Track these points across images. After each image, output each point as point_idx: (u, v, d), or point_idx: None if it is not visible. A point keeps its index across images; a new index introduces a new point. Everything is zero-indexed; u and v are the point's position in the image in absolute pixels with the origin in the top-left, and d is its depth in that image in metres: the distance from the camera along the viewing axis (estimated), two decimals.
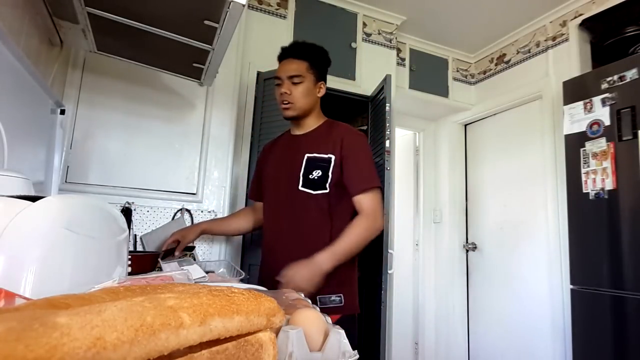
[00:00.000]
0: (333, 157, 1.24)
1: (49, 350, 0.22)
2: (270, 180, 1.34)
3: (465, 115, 3.06)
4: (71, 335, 0.23)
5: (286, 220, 1.26)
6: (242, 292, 0.34)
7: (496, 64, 2.91)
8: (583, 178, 1.88)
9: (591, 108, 1.88)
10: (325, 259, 1.11)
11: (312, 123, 1.33)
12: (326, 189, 1.23)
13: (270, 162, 1.36)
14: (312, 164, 1.25)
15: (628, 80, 1.75)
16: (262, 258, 1.39)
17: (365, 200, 1.21)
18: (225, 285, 0.40)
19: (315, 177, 1.23)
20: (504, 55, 2.85)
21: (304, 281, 1.06)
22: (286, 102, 1.24)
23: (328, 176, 1.23)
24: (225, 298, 0.32)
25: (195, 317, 0.28)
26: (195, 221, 1.92)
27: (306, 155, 1.26)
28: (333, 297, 1.18)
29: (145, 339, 0.25)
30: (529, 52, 2.64)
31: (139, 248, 1.75)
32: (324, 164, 1.24)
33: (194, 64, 1.59)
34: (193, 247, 1.59)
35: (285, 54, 1.28)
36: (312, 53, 1.30)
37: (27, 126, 1.24)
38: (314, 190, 1.23)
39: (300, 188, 1.24)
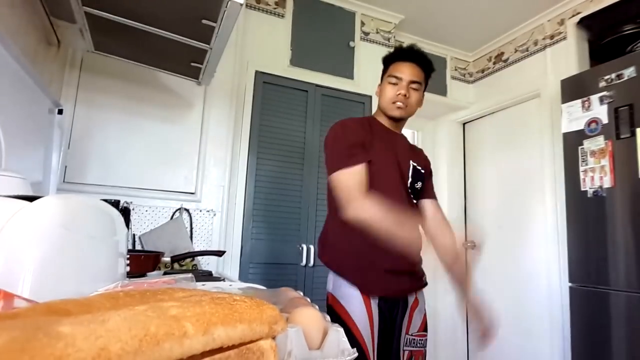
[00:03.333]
0: (424, 173, 1.32)
1: None
2: (382, 171, 1.18)
3: (464, 114, 3.07)
4: (76, 345, 0.23)
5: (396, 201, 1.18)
6: (244, 300, 0.34)
7: (494, 63, 2.92)
8: (581, 176, 1.88)
9: (589, 106, 1.88)
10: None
11: (401, 129, 1.36)
12: (417, 199, 1.30)
13: (380, 148, 1.21)
14: (416, 174, 1.28)
15: (626, 78, 1.75)
16: (365, 255, 1.15)
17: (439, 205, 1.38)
18: (226, 292, 0.40)
19: (418, 188, 1.29)
20: (502, 53, 2.85)
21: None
22: (402, 103, 1.23)
23: (423, 190, 1.32)
24: (227, 306, 0.32)
25: (198, 326, 0.28)
26: (195, 221, 1.92)
27: (411, 163, 1.28)
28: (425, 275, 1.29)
29: (150, 349, 0.25)
30: (527, 50, 2.65)
31: (138, 247, 1.75)
32: (422, 178, 1.30)
33: (192, 64, 1.59)
34: (223, 252, 1.54)
35: (409, 57, 1.26)
36: (430, 66, 1.30)
37: (24, 126, 1.24)
38: (415, 198, 1.29)
39: (410, 192, 1.26)
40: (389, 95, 1.24)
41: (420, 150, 1.42)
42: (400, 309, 1.20)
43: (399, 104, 1.23)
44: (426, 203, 1.34)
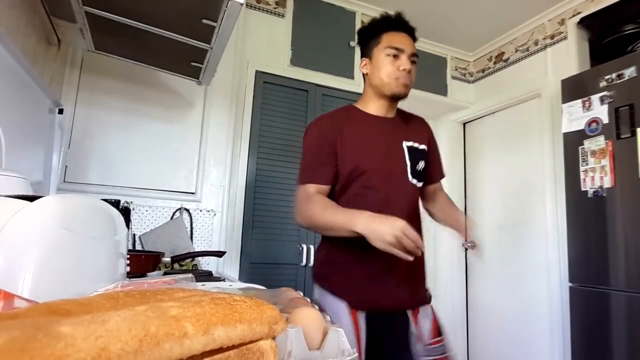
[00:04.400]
0: (426, 149, 1.18)
1: None
2: (371, 168, 1.08)
3: (464, 114, 3.06)
4: (76, 346, 0.23)
5: (400, 213, 1.02)
6: (244, 300, 0.34)
7: (495, 63, 2.91)
8: (581, 176, 1.88)
9: (590, 106, 1.88)
10: None
11: (396, 109, 1.21)
12: (422, 181, 1.17)
13: (355, 143, 1.10)
14: (415, 154, 1.14)
15: (626, 78, 1.75)
16: (352, 268, 1.08)
17: (440, 184, 1.29)
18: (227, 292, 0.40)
19: (420, 169, 1.14)
20: (503, 53, 2.85)
21: None
22: (407, 79, 1.09)
23: (427, 168, 1.18)
24: (227, 306, 0.32)
25: (198, 326, 0.28)
26: (195, 221, 1.92)
27: (404, 143, 1.13)
28: (429, 292, 1.18)
29: (150, 350, 0.25)
30: (528, 50, 2.64)
31: (138, 247, 1.75)
32: (423, 156, 1.17)
33: (192, 63, 1.59)
34: (223, 253, 1.54)
35: (405, 27, 1.13)
36: (416, 39, 1.16)
37: (25, 126, 1.24)
38: (418, 182, 1.14)
39: (410, 179, 1.12)
40: (389, 70, 1.08)
41: (419, 121, 1.25)
42: (400, 326, 1.07)
43: (403, 80, 1.08)
44: (429, 190, 1.25)
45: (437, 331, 1.11)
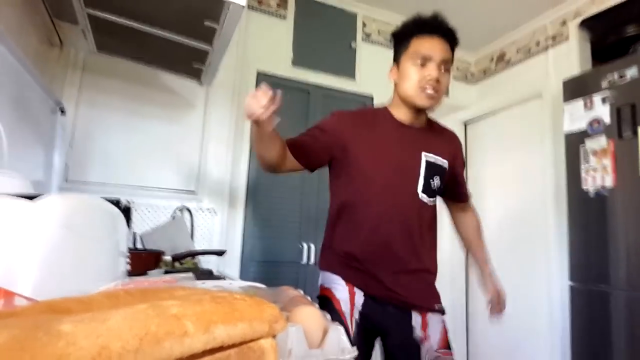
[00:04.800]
0: (447, 165, 1.12)
1: None
2: (379, 172, 1.04)
3: (466, 114, 3.06)
4: (77, 344, 0.23)
5: (397, 226, 1.03)
6: (244, 299, 0.34)
7: (496, 63, 2.91)
8: (583, 175, 1.88)
9: (591, 106, 1.88)
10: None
11: (426, 118, 1.15)
12: (436, 198, 1.12)
13: (368, 146, 1.05)
14: (432, 169, 1.08)
15: (628, 78, 1.74)
16: (358, 257, 1.05)
17: (471, 203, 1.30)
18: (227, 291, 0.40)
19: (434, 187, 1.08)
20: (504, 54, 2.84)
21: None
22: (433, 90, 1.00)
23: (442, 186, 1.12)
24: (228, 305, 0.32)
25: (199, 325, 0.28)
26: (196, 220, 1.92)
27: (424, 156, 1.06)
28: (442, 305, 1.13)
29: (150, 348, 0.25)
30: (529, 51, 2.64)
31: (139, 246, 1.75)
32: (441, 172, 1.10)
33: (194, 64, 1.59)
34: (223, 252, 1.54)
35: (438, 30, 1.02)
36: (457, 41, 1.06)
37: (27, 126, 1.24)
38: (429, 197, 1.08)
39: (420, 192, 1.05)
40: (415, 80, 1.00)
41: (449, 135, 1.20)
42: (399, 319, 1.05)
43: (429, 91, 1.00)
44: (458, 207, 1.29)
45: (447, 343, 1.08)
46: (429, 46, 1.00)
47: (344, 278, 1.06)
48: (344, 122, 1.08)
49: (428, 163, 1.07)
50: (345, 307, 1.02)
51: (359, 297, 1.05)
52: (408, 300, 1.06)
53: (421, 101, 1.02)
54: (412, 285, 1.06)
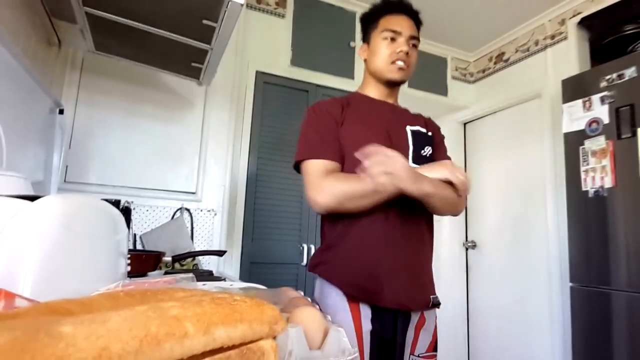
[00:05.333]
0: (432, 135, 1.10)
1: None
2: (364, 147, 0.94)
3: (465, 114, 3.06)
4: (77, 345, 0.23)
5: (402, 205, 0.96)
6: (244, 300, 0.34)
7: (495, 63, 2.91)
8: (582, 176, 1.88)
9: (590, 106, 1.88)
10: (414, 174, 0.87)
11: (396, 97, 1.14)
12: None
13: (355, 128, 1.03)
14: (420, 139, 1.06)
15: (627, 78, 1.75)
16: (357, 258, 0.98)
17: None
18: (227, 291, 0.40)
19: (427, 155, 1.05)
20: (503, 53, 2.85)
21: (402, 168, 0.84)
22: (404, 62, 1.03)
23: (433, 156, 1.07)
24: (228, 306, 0.32)
25: (199, 326, 0.28)
26: (195, 221, 1.92)
27: (408, 128, 1.05)
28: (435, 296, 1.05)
29: (150, 350, 0.25)
30: (528, 50, 2.65)
31: (139, 247, 1.75)
32: (429, 141, 1.08)
33: (193, 64, 1.59)
34: (223, 252, 1.53)
35: (404, 9, 1.07)
36: (421, 22, 1.10)
37: (26, 126, 1.24)
38: None
39: (411, 164, 0.99)
40: (386, 54, 1.04)
41: (422, 115, 1.18)
42: (400, 325, 0.98)
43: (399, 63, 1.03)
44: None
45: (434, 347, 1.04)
46: (398, 22, 1.05)
47: (345, 292, 0.96)
48: (327, 106, 1.06)
49: (414, 132, 1.06)
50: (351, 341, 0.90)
51: (365, 322, 0.94)
52: (410, 304, 0.98)
53: (392, 74, 1.05)
54: (413, 285, 0.99)
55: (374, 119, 1.05)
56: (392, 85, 1.10)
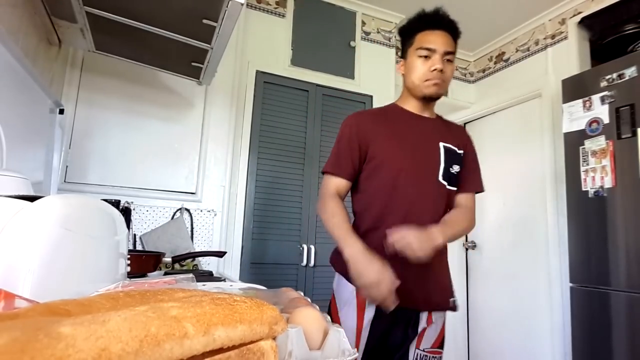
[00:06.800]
0: (462, 154, 1.15)
1: None
2: (398, 163, 1.08)
3: (465, 114, 3.06)
4: (76, 346, 0.23)
5: (427, 213, 1.05)
6: (244, 301, 0.34)
7: (495, 63, 2.91)
8: (582, 176, 1.88)
9: (590, 106, 1.88)
10: (439, 233, 0.97)
11: (433, 110, 1.20)
12: (456, 187, 1.13)
13: (385, 139, 1.11)
14: (451, 156, 1.11)
15: (627, 78, 1.74)
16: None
17: (472, 200, 1.16)
18: (227, 292, 0.40)
19: (455, 173, 1.11)
20: (503, 53, 2.85)
21: (418, 243, 0.92)
22: (438, 79, 1.07)
23: (461, 174, 1.13)
24: (228, 307, 0.32)
25: (199, 327, 0.28)
26: (195, 221, 1.92)
27: (441, 145, 1.11)
28: (455, 300, 1.09)
29: (150, 350, 0.25)
30: (528, 50, 2.64)
31: (139, 248, 1.75)
32: (459, 160, 1.13)
33: (193, 63, 1.59)
34: (223, 253, 1.54)
35: (440, 25, 1.09)
36: (459, 32, 1.13)
37: (25, 126, 1.24)
38: (449, 185, 1.10)
39: (440, 179, 1.08)
40: (421, 72, 1.08)
41: (459, 128, 1.24)
42: (406, 325, 1.05)
43: (435, 80, 1.07)
44: (459, 198, 1.15)
45: (440, 343, 1.08)
46: (432, 39, 1.08)
47: (355, 287, 1.03)
48: (363, 121, 1.14)
49: (447, 150, 1.11)
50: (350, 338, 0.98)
51: (367, 321, 1.03)
52: (419, 304, 1.05)
53: (428, 90, 1.09)
54: (424, 285, 1.04)
55: (406, 134, 1.11)
56: (429, 100, 1.13)
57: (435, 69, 1.06)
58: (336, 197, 1.09)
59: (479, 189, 1.19)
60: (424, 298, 1.05)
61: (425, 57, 1.07)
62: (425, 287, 1.04)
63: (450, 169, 1.11)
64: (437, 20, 1.10)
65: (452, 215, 1.10)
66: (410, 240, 0.92)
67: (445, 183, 1.09)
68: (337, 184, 1.11)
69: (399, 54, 1.20)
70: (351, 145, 1.11)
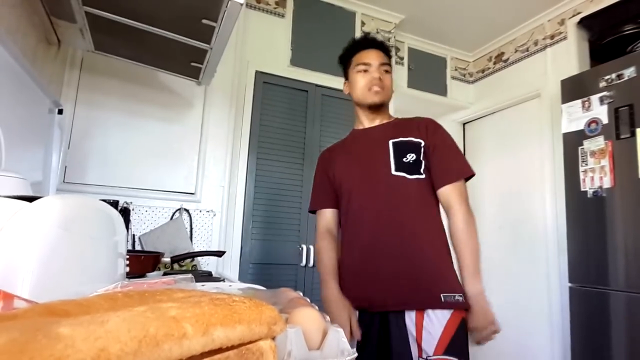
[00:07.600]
0: (422, 142, 1.13)
1: None
2: (350, 177, 1.17)
3: (464, 114, 3.06)
4: (75, 346, 0.23)
5: (384, 212, 1.09)
6: (243, 301, 0.34)
7: (494, 63, 2.92)
8: (581, 176, 1.88)
9: (589, 106, 1.88)
10: (479, 286, 1.09)
11: (387, 116, 1.25)
12: (422, 174, 1.11)
13: (341, 161, 1.22)
14: (402, 147, 1.13)
15: (626, 78, 1.75)
16: (348, 268, 1.16)
17: (456, 192, 1.14)
18: (226, 292, 0.40)
19: (410, 161, 1.11)
20: (503, 53, 2.85)
21: (485, 323, 1.13)
22: (378, 86, 1.16)
23: (421, 161, 1.12)
24: (227, 307, 0.32)
25: (197, 327, 0.28)
26: (194, 221, 1.92)
27: (390, 141, 1.14)
28: (457, 297, 1.05)
29: (149, 350, 0.25)
30: (527, 50, 2.65)
31: (138, 248, 1.75)
32: (414, 148, 1.13)
33: (192, 63, 1.58)
34: (223, 253, 1.54)
35: (371, 44, 1.22)
36: (390, 51, 1.27)
37: (24, 126, 1.24)
38: (410, 174, 1.10)
39: (394, 172, 1.10)
40: (362, 83, 1.18)
41: (420, 119, 1.20)
42: (391, 327, 1.03)
43: (375, 88, 1.17)
44: (441, 198, 1.14)
45: (446, 348, 1.01)
46: (367, 55, 1.21)
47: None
48: (328, 154, 1.32)
49: (395, 144, 1.15)
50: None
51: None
52: (397, 302, 1.03)
53: (371, 98, 1.19)
54: (402, 282, 1.03)
55: (356, 149, 1.22)
56: (376, 108, 1.21)
57: (373, 78, 1.17)
58: (325, 234, 1.22)
59: (457, 176, 1.14)
60: (395, 297, 1.03)
61: (364, 71, 1.19)
62: (397, 285, 1.03)
63: (404, 159, 1.12)
64: (369, 41, 1.24)
65: (457, 249, 1.09)
66: (488, 331, 1.13)
67: (403, 174, 1.10)
68: (323, 218, 1.25)
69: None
70: (322, 179, 1.27)
